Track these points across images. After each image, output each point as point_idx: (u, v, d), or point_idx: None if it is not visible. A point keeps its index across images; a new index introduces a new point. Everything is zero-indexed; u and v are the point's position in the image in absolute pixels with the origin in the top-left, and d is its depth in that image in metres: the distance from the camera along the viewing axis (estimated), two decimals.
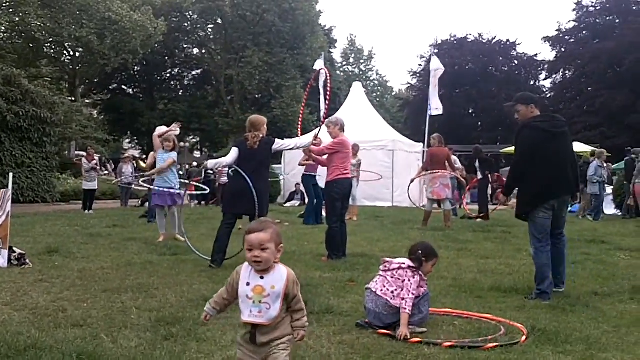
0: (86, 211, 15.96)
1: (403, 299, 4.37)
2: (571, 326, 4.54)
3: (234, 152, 7.35)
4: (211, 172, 18.54)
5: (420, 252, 4.61)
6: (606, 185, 19.35)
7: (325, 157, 8.06)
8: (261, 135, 7.30)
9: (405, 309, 4.31)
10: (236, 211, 7.24)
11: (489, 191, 17.30)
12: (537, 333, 4.27)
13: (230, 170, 8.28)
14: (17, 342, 3.76)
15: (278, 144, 7.42)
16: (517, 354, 3.84)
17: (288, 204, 20.96)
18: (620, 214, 17.98)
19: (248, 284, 2.70)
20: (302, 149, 8.04)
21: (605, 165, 16.87)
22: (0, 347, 3.67)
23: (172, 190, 9.64)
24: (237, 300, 2.75)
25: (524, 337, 4.15)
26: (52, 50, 36.26)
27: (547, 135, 5.66)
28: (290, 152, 21.02)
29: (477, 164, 15.79)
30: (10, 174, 7.72)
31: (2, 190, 7.26)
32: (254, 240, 2.65)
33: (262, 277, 2.69)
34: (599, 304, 5.37)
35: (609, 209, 19.52)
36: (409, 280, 4.46)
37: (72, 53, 36.66)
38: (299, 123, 10.99)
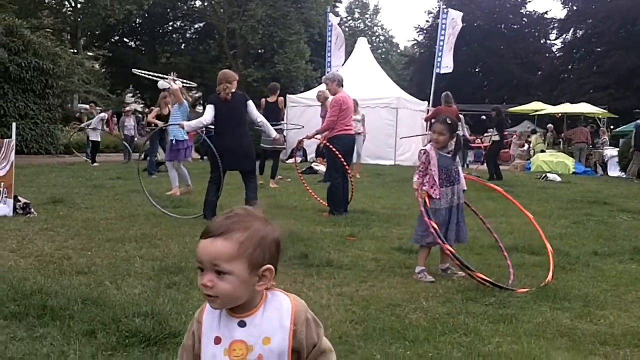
0: (93, 164, 16.01)
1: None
2: (570, 284, 4.59)
3: (210, 109, 7.05)
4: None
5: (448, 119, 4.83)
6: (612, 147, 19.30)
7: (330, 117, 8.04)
8: (233, 89, 7.07)
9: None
10: (226, 168, 7.14)
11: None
12: (536, 289, 4.32)
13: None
14: (23, 287, 3.83)
15: (251, 107, 7.17)
16: (515, 309, 3.90)
17: (290, 160, 20.95)
18: (624, 176, 17.95)
19: (218, 339, 1.47)
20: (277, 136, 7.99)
21: None
22: (7, 292, 3.73)
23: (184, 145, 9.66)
24: None
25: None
26: (53, 1, 35.70)
27: None
28: (292, 109, 21.02)
29: (493, 125, 15.64)
30: (14, 124, 7.72)
31: (5, 139, 7.27)
32: (203, 253, 1.44)
33: (242, 324, 1.46)
34: (598, 263, 5.42)
35: (614, 171, 19.51)
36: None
37: (73, 4, 36.12)
38: None
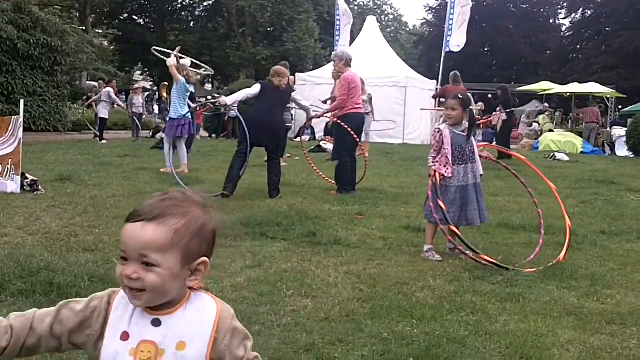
0: (101, 141, 16.02)
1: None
2: (577, 263, 4.58)
3: (256, 86, 7.57)
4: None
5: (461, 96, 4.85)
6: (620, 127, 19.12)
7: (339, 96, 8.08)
8: (285, 81, 7.66)
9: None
10: (253, 141, 7.24)
11: None
12: (543, 269, 4.31)
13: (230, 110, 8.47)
14: (30, 264, 3.84)
15: (297, 95, 8.11)
16: (523, 288, 3.89)
17: (298, 139, 20.89)
18: (632, 156, 17.82)
19: (126, 335, 1.24)
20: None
21: None
22: (15, 268, 3.74)
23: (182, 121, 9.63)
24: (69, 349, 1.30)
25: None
26: None
27: None
28: (301, 87, 20.93)
29: (498, 103, 15.49)
30: (22, 101, 7.71)
31: (13, 117, 7.27)
32: (130, 239, 1.24)
33: (156, 323, 1.25)
34: (606, 242, 5.40)
35: (622, 150, 19.38)
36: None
37: None
38: None
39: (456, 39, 22.01)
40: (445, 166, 4.66)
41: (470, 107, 4.76)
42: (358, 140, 7.99)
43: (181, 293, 1.26)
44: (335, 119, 8.05)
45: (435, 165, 4.71)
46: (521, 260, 4.54)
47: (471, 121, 4.78)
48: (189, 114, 11.83)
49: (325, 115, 8.63)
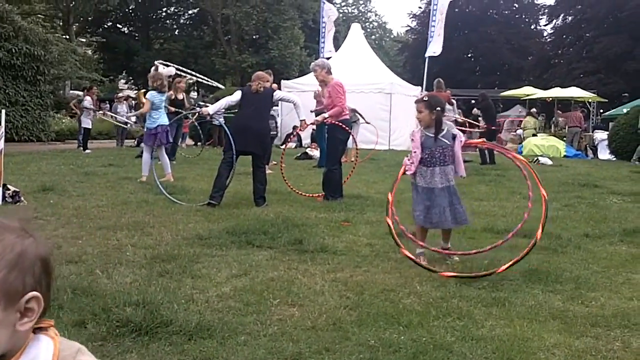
0: (85, 150, 15.91)
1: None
2: (562, 266, 4.61)
3: (237, 93, 7.58)
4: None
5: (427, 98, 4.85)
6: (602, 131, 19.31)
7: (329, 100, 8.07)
8: (265, 86, 7.63)
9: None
10: (238, 148, 7.22)
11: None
12: (528, 272, 4.33)
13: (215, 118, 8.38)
14: None
15: (279, 92, 8.00)
16: (508, 292, 3.91)
17: (284, 146, 20.88)
18: (614, 159, 17.99)
19: None
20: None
21: None
22: None
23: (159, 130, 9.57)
24: None
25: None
26: None
27: None
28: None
29: (480, 112, 15.60)
30: (3, 111, 7.60)
31: None
32: None
33: None
34: (589, 245, 5.44)
35: (604, 154, 19.58)
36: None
37: None
38: None
39: (434, 46, 22.38)
40: (412, 163, 4.72)
41: (438, 108, 4.74)
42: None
43: (17, 343, 1.02)
44: (335, 122, 8.01)
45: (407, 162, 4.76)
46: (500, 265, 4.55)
47: (436, 123, 4.75)
48: (177, 121, 11.79)
49: (325, 120, 8.46)
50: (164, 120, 9.63)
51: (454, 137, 4.79)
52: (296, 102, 7.89)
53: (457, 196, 4.84)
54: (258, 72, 7.87)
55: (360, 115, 14.60)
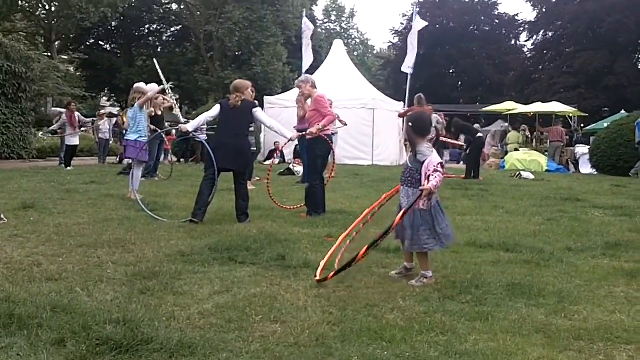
0: (67, 167, 15.76)
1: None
2: (544, 280, 4.62)
3: (215, 108, 7.51)
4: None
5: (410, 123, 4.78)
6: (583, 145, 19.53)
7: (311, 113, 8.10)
8: (243, 97, 7.44)
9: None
10: (219, 166, 7.18)
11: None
12: (511, 286, 4.34)
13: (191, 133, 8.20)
14: None
15: (259, 112, 7.59)
16: (492, 307, 3.90)
17: (267, 162, 20.89)
18: (596, 173, 18.18)
19: None
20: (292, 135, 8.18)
21: None
22: None
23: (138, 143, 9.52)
24: None
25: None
26: (27, 4, 35.20)
27: None
28: (270, 110, 20.96)
29: (454, 131, 15.80)
30: None
31: None
32: None
33: None
34: (572, 259, 5.46)
35: (585, 168, 19.80)
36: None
37: (47, 7, 35.64)
38: None
39: (408, 61, 22.76)
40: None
41: (409, 124, 4.78)
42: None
43: None
44: (323, 135, 8.01)
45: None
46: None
47: (409, 140, 4.83)
48: (157, 138, 11.75)
49: (319, 132, 8.41)
50: (143, 135, 9.59)
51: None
52: (273, 126, 7.74)
53: (418, 222, 4.59)
54: (236, 82, 7.71)
55: (340, 120, 14.65)
